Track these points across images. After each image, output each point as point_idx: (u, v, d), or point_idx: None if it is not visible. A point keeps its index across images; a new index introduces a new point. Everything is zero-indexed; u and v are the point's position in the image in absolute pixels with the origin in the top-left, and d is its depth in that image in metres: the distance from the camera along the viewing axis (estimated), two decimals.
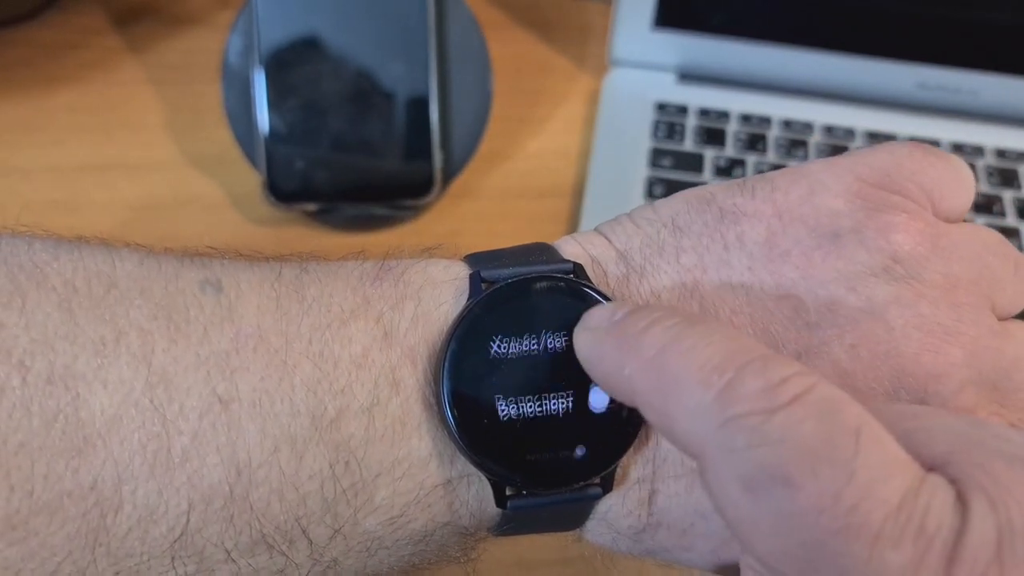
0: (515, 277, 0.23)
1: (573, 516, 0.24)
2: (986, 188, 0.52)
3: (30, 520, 0.19)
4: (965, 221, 0.26)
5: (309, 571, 0.22)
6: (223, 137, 0.48)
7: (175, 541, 0.21)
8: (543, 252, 0.25)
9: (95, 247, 0.22)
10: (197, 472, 0.21)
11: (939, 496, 0.16)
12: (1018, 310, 0.26)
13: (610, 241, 0.25)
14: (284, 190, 0.46)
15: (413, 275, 0.24)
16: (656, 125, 0.53)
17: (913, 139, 0.53)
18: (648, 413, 0.20)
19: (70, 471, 0.20)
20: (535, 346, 0.23)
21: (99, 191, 0.49)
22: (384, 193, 0.47)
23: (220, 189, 0.49)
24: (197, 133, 0.51)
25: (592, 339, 0.22)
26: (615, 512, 0.24)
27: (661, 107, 0.54)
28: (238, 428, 0.21)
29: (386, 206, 0.48)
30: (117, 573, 0.20)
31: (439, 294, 0.24)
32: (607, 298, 0.23)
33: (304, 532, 0.22)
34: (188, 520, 0.21)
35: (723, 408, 0.17)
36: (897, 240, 0.24)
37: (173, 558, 0.21)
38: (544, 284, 0.23)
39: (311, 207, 0.47)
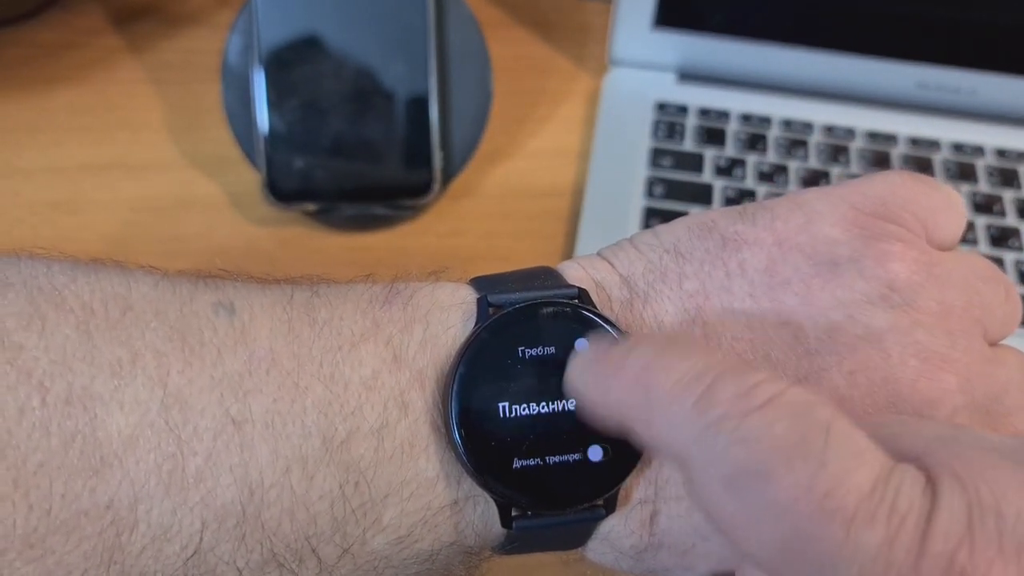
0: (522, 302, 0.24)
1: (577, 536, 0.25)
2: (986, 188, 0.52)
3: (47, 538, 0.20)
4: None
5: None
6: (223, 137, 0.48)
7: (188, 559, 0.21)
8: (548, 276, 0.25)
9: (111, 269, 0.23)
10: (211, 492, 0.21)
11: (908, 480, 0.17)
12: (1008, 335, 0.26)
13: (613, 266, 0.26)
14: (284, 190, 0.46)
15: (421, 299, 0.24)
16: (656, 125, 0.53)
17: (913, 139, 0.54)
18: (639, 430, 0.20)
19: (87, 490, 0.20)
20: (541, 370, 0.23)
21: (99, 191, 0.49)
22: (384, 193, 0.47)
23: (220, 189, 0.49)
24: (197, 133, 0.51)
25: (580, 372, 0.22)
26: (617, 532, 0.24)
27: (661, 107, 0.54)
28: (251, 449, 0.21)
29: (386, 206, 0.48)
30: None
31: (447, 318, 0.24)
32: (611, 323, 0.24)
33: (314, 551, 0.22)
34: (201, 539, 0.21)
35: (702, 413, 0.18)
36: (893, 269, 0.24)
37: None
38: (550, 309, 0.24)
39: (311, 207, 0.47)
